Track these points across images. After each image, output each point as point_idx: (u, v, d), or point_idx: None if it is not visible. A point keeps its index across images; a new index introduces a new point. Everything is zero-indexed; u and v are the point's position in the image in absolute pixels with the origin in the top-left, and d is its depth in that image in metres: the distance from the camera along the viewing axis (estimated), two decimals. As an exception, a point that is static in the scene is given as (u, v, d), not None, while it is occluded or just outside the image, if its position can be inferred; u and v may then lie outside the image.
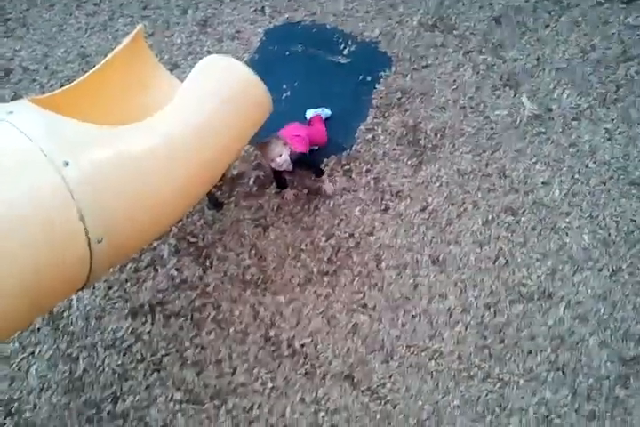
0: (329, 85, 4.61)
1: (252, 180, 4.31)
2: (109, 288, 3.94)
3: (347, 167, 4.31)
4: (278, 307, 3.82)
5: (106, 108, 3.14)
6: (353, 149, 4.41)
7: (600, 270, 3.82)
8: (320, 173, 4.09)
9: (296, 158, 3.75)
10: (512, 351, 3.60)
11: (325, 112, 4.41)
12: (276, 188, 4.10)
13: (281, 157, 3.60)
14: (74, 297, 3.88)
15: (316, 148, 4.26)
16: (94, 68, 3.18)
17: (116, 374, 3.66)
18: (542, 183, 4.16)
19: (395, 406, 3.48)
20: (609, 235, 3.95)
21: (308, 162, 3.97)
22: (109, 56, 3.23)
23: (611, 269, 3.81)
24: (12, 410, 3.54)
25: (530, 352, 3.59)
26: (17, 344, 3.75)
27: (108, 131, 2.65)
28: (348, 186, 4.24)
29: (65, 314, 3.87)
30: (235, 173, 4.33)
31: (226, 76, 3.27)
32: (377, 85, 4.58)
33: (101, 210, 2.46)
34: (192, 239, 4.07)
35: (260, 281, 3.91)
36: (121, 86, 3.25)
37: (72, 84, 3.10)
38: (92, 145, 2.54)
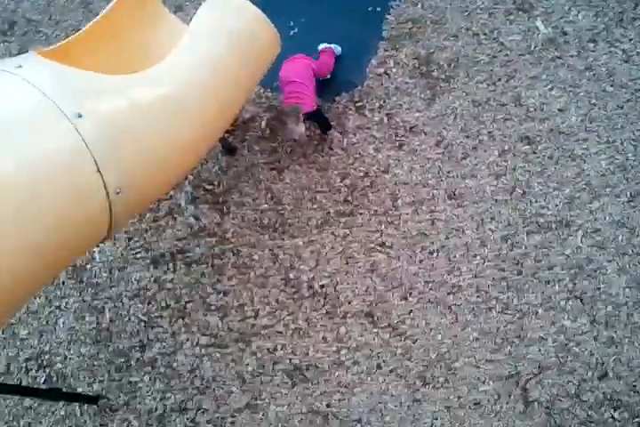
0: (337, 19, 4.51)
1: (263, 122, 4.24)
2: (130, 239, 4.04)
3: (359, 104, 4.28)
4: (297, 250, 3.90)
5: (114, 56, 3.12)
6: (365, 84, 4.36)
7: (618, 196, 3.82)
8: (328, 128, 4.10)
9: (305, 115, 3.78)
10: (530, 282, 3.66)
11: (338, 49, 4.45)
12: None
13: (299, 133, 3.72)
14: (95, 249, 3.96)
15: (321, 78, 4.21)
16: (98, 16, 3.16)
17: (142, 323, 3.80)
18: (559, 110, 4.11)
19: (415, 341, 3.59)
20: (627, 159, 3.91)
21: (317, 119, 3.99)
22: (112, 2, 3.19)
23: (629, 195, 3.81)
24: (44, 362, 3.77)
25: (548, 282, 3.65)
26: (43, 298, 3.94)
27: (118, 80, 2.66)
28: (362, 123, 4.21)
29: (88, 266, 4.02)
30: (246, 116, 4.33)
31: (232, 16, 3.25)
32: (387, 16, 4.51)
33: (117, 161, 2.49)
34: (208, 186, 4.14)
35: (277, 225, 3.99)
36: (127, 32, 3.23)
37: (78, 33, 3.09)
38: (104, 95, 2.57)
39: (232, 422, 3.56)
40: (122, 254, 4.01)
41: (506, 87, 4.29)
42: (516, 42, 4.43)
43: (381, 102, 4.33)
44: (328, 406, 3.52)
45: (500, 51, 4.42)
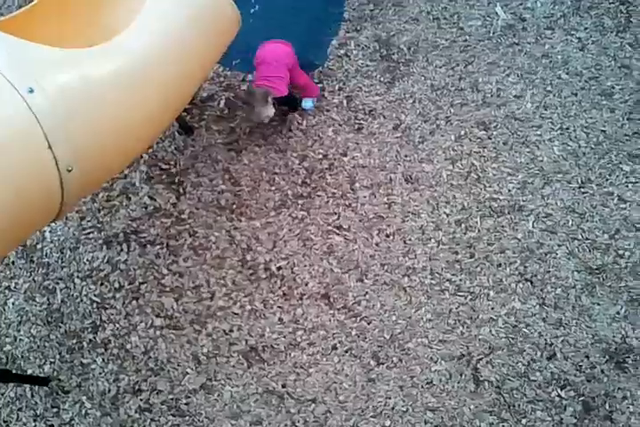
0: (298, -2, 4.39)
1: (222, 102, 4.28)
2: (82, 218, 3.96)
3: (319, 86, 4.30)
4: (254, 231, 3.89)
5: (68, 29, 3.07)
6: (325, 65, 4.36)
7: (569, 182, 3.90)
8: (295, 109, 4.09)
9: (276, 100, 3.74)
10: (482, 265, 3.73)
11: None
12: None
13: (267, 116, 3.69)
14: (47, 229, 3.86)
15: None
16: (53, -14, 2.96)
17: (95, 304, 3.74)
18: (515, 96, 4.18)
19: (369, 322, 3.63)
20: (579, 146, 3.99)
21: (288, 102, 3.95)
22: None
23: (580, 181, 3.89)
24: (-8, 344, 3.73)
25: (499, 265, 3.72)
26: (-9, 279, 3.93)
27: (72, 54, 2.59)
28: (321, 105, 4.20)
29: (39, 246, 3.94)
30: (204, 95, 4.28)
31: (190, -9, 3.11)
32: (349, -4, 4.41)
33: (70, 137, 2.44)
34: (164, 166, 4.10)
35: (234, 206, 3.97)
36: (83, 5, 3.17)
37: (31, 4, 3.01)
38: (57, 70, 2.50)
39: (186, 404, 3.56)
40: (74, 234, 3.94)
41: (464, 72, 4.34)
42: (475, 27, 4.47)
43: (341, 84, 4.34)
44: (284, 386, 3.55)
45: (460, 36, 4.46)
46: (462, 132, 4.16)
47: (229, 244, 3.90)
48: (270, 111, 3.68)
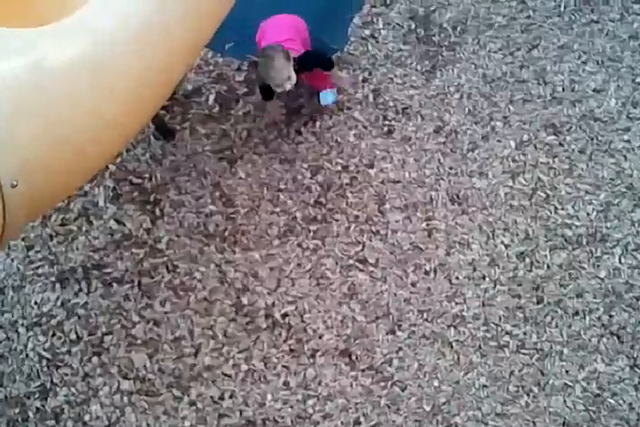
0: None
1: (211, 97, 4.26)
2: (30, 248, 3.94)
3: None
4: (252, 266, 3.84)
5: (17, 4, 3.00)
6: (345, 50, 4.36)
7: None
8: (331, 64, 4.05)
9: (298, 60, 3.75)
10: (553, 313, 3.65)
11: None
12: (261, 99, 4.11)
13: (290, 79, 3.67)
14: None
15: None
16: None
17: (45, 361, 3.67)
18: (594, 90, 4.17)
19: (404, 389, 3.54)
20: None
21: (314, 57, 3.93)
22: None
23: None
24: None
25: (576, 314, 3.64)
26: None
27: (20, 34, 2.56)
28: (340, 102, 4.21)
29: None
30: (189, 88, 4.28)
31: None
32: (374, -41, 4.46)
33: (14, 146, 2.44)
34: (136, 180, 4.08)
35: (227, 233, 3.93)
36: None
37: None
38: (1, 55, 2.47)
39: None
40: (18, 269, 3.91)
41: (527, 59, 4.32)
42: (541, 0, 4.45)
43: (366, 74, 4.32)
44: (291, 474, 3.49)
45: (521, 11, 4.46)
46: (525, 137, 4.12)
47: (220, 282, 3.85)
48: (292, 75, 3.70)
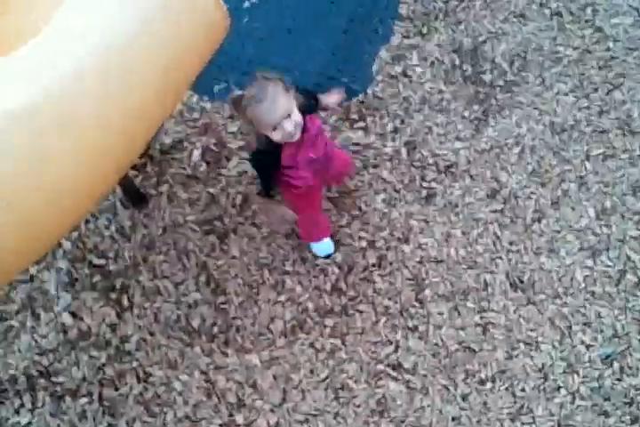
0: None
1: (196, 153, 4.36)
2: None
3: (359, 124, 4.38)
4: (249, 373, 3.87)
5: None
6: (369, 92, 4.47)
7: None
8: (314, 105, 3.62)
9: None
10: None
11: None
12: (262, 191, 3.72)
13: (290, 117, 3.25)
14: None
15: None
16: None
17: None
18: None
19: None
20: None
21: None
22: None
23: None
24: None
25: None
26: None
27: None
28: (365, 156, 4.31)
29: None
30: (167, 141, 4.38)
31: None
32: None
33: None
34: (97, 261, 4.12)
35: (216, 329, 3.97)
36: None
37: None
38: None
39: None
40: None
41: (607, 103, 4.43)
42: (623, 26, 4.61)
43: (397, 123, 4.42)
44: None
45: (597, 42, 4.59)
46: (608, 204, 4.23)
47: (207, 395, 3.86)
48: (296, 113, 3.29)
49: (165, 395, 3.88)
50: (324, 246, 4.16)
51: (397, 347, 3.93)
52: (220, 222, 4.24)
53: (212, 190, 4.31)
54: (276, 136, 3.26)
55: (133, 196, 4.23)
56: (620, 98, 4.43)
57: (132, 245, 4.17)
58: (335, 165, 3.79)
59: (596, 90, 4.47)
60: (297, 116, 3.29)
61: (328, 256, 4.17)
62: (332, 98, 3.79)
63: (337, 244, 4.16)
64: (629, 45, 4.55)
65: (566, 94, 4.46)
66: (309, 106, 3.52)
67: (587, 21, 4.59)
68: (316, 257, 4.14)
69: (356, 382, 3.89)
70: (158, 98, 3.30)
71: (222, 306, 4.04)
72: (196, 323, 4.02)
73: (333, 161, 3.75)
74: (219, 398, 3.88)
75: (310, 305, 4.04)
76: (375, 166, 4.32)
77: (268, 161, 3.43)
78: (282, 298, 4.07)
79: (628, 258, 4.08)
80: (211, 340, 3.98)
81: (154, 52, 3.18)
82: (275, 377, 3.90)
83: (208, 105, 4.49)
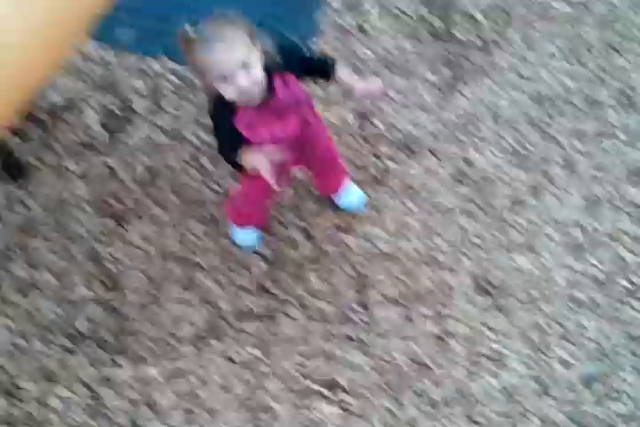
0: None
1: (93, 115, 4.45)
2: None
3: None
4: (147, 387, 3.89)
5: None
6: (314, 47, 4.60)
7: None
8: (330, 69, 3.61)
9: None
10: None
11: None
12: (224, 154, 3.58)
13: (248, 70, 3.21)
14: None
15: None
16: None
17: None
18: None
19: None
20: None
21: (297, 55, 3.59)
22: None
23: None
24: None
25: None
26: None
27: None
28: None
29: None
30: (56, 100, 4.44)
31: None
32: None
33: None
34: None
35: (106, 334, 4.00)
36: None
37: None
38: None
39: None
40: None
41: (604, 69, 4.61)
42: None
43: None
44: None
45: None
46: (598, 191, 4.36)
47: (90, 415, 3.86)
48: (258, 66, 3.26)
49: (39, 414, 3.87)
50: (247, 236, 4.21)
51: (332, 360, 3.97)
52: (119, 202, 4.29)
53: (110, 162, 4.37)
54: (227, 91, 3.23)
55: (10, 167, 4.27)
56: (620, 64, 4.55)
57: (5, 228, 4.21)
58: (319, 155, 3.84)
59: (592, 54, 4.59)
60: (257, 72, 3.26)
61: (250, 251, 4.21)
62: (370, 91, 3.64)
63: (264, 232, 4.22)
64: (636, 1, 4.67)
65: (554, 57, 4.56)
66: (289, 66, 3.47)
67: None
68: (235, 247, 4.20)
69: (278, 401, 3.89)
70: (53, 37, 3.40)
71: (116, 305, 4.07)
72: (81, 325, 4.04)
73: (317, 149, 3.80)
74: (107, 418, 3.88)
75: (226, 306, 4.07)
76: (316, 138, 4.31)
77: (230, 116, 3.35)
78: (191, 297, 4.10)
79: (621, 258, 4.15)
80: (100, 347, 4.00)
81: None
82: (177, 394, 3.91)
83: (110, 56, 4.55)
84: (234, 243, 4.19)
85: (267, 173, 3.19)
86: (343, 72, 3.54)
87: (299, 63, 3.47)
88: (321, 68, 3.55)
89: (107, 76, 4.52)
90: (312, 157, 3.78)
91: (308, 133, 3.58)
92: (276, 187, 3.22)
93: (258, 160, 3.22)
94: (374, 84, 3.63)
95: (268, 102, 3.30)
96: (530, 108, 4.45)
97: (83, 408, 3.90)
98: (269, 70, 3.27)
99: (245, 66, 3.15)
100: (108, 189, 4.28)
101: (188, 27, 3.17)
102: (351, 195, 4.25)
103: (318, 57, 3.80)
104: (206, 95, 3.41)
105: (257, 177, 3.33)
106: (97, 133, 4.38)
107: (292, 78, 3.39)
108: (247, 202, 4.02)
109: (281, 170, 3.47)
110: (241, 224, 4.17)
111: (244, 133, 3.34)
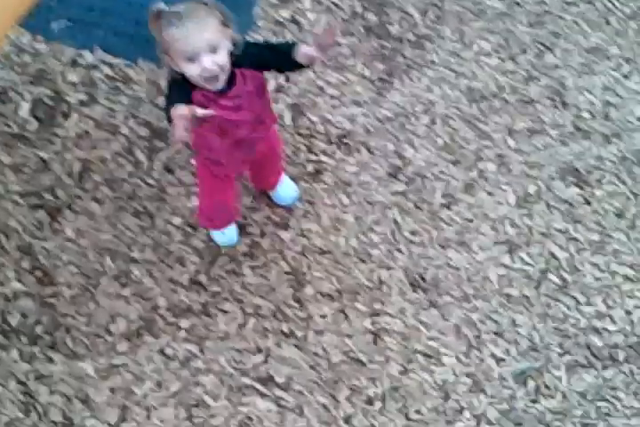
0: None
1: (25, 106, 4.40)
2: None
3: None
4: (80, 384, 3.85)
5: None
6: (246, 39, 4.50)
7: None
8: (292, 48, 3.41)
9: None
10: None
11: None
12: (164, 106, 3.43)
13: (215, 54, 3.20)
14: None
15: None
16: None
17: None
18: None
19: None
20: None
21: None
22: None
23: None
24: None
25: None
26: None
27: None
28: None
29: None
30: None
31: None
32: None
33: None
34: None
35: (39, 329, 3.98)
36: None
37: None
38: None
39: None
40: None
41: (536, 67, 4.68)
42: None
43: (281, 80, 4.55)
44: None
45: None
46: (532, 189, 4.44)
47: (24, 411, 3.82)
48: (222, 54, 3.25)
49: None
50: (225, 236, 4.20)
51: (268, 356, 3.98)
52: (52, 195, 4.25)
53: (43, 154, 4.32)
54: (191, 71, 3.21)
55: None
56: (552, 62, 4.61)
57: None
58: (262, 153, 3.80)
59: (524, 51, 4.65)
60: (223, 58, 3.25)
61: (231, 246, 4.20)
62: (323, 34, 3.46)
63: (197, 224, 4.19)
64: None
65: (489, 55, 4.62)
66: (252, 60, 3.44)
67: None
68: (170, 242, 4.17)
69: (214, 398, 3.90)
70: None
71: (49, 300, 4.03)
72: (14, 320, 4.00)
73: (262, 147, 3.76)
74: (39, 415, 3.84)
75: (162, 302, 4.06)
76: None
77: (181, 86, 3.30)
78: (126, 292, 4.08)
79: (552, 255, 4.21)
80: (32, 342, 3.96)
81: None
82: (112, 390, 3.88)
83: (43, 46, 4.50)
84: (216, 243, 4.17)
85: (180, 122, 3.05)
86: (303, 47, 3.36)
87: (261, 50, 3.46)
88: (286, 49, 3.39)
89: (40, 67, 4.44)
90: (255, 154, 3.73)
91: (257, 132, 3.58)
92: (175, 139, 3.31)
93: (180, 110, 3.07)
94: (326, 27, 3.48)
95: (226, 93, 3.29)
96: (463, 105, 4.47)
97: (15, 404, 3.86)
98: (234, 62, 3.26)
99: (212, 50, 3.15)
100: (41, 182, 4.21)
101: (162, 3, 3.16)
102: (286, 190, 4.24)
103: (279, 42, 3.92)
104: (168, 74, 3.36)
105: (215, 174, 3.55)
106: (29, 125, 4.30)
107: (251, 74, 3.39)
108: (214, 206, 4.06)
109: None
110: (214, 227, 4.16)
111: (201, 103, 3.24)
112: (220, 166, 3.66)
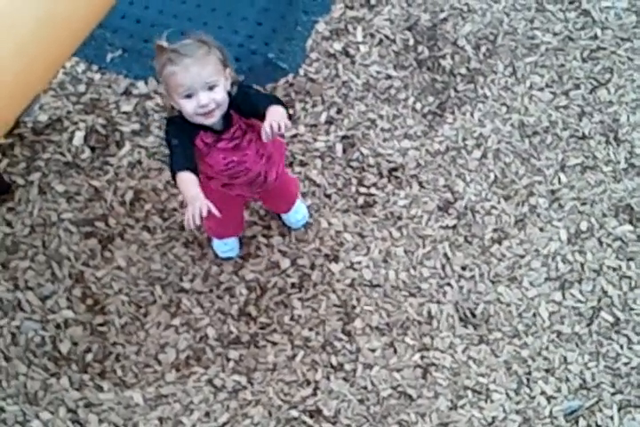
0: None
1: (79, 135, 4.40)
2: None
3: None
4: (129, 413, 3.87)
5: None
6: (301, 72, 4.56)
7: None
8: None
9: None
10: None
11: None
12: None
13: (212, 91, 3.26)
14: None
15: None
16: None
17: None
18: None
19: None
20: None
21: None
22: None
23: None
24: None
25: None
26: None
27: None
28: (289, 152, 4.36)
29: None
30: (43, 119, 4.39)
31: None
32: None
33: None
34: None
35: (90, 357, 3.97)
36: None
37: None
38: None
39: None
40: None
41: (590, 103, 4.64)
42: (615, 11, 4.81)
43: (333, 113, 4.55)
44: None
45: (583, 28, 4.80)
46: (584, 226, 4.39)
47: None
48: (222, 88, 3.31)
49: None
50: (226, 247, 4.21)
51: (317, 389, 3.97)
52: (104, 224, 4.27)
53: (95, 183, 4.34)
54: (186, 107, 3.24)
55: (-5, 181, 4.16)
56: (605, 97, 4.57)
57: (-8, 247, 4.09)
58: (269, 184, 3.76)
59: (577, 86, 4.61)
60: (220, 95, 3.28)
61: (229, 258, 4.20)
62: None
63: (248, 257, 4.22)
64: (621, 34, 4.69)
65: (541, 90, 4.58)
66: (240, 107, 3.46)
67: (571, 2, 4.75)
68: (220, 272, 4.17)
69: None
70: (53, 51, 3.45)
71: (100, 328, 4.06)
72: (65, 348, 4.02)
73: (269, 179, 3.72)
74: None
75: (211, 332, 4.07)
76: (303, 164, 4.39)
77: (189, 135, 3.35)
78: (176, 322, 4.09)
79: (604, 293, 4.17)
80: (83, 370, 3.98)
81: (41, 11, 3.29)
82: (161, 420, 3.90)
83: (97, 76, 4.53)
84: (215, 254, 4.19)
85: (195, 210, 3.08)
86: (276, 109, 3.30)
87: (245, 98, 3.42)
88: (263, 105, 3.35)
89: (94, 96, 4.46)
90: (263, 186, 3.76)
91: (267, 169, 3.63)
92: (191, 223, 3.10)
93: (191, 197, 3.14)
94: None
95: (223, 135, 3.36)
96: (515, 140, 4.44)
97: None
98: (230, 101, 3.30)
99: (210, 88, 3.21)
100: (93, 211, 4.23)
101: (164, 40, 3.21)
102: (296, 215, 4.25)
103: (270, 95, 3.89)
104: (167, 112, 3.38)
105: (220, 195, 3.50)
106: (83, 154, 4.31)
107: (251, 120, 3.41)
108: (218, 221, 3.96)
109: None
110: (219, 236, 4.16)
111: (202, 149, 3.37)
112: (231, 189, 3.69)
